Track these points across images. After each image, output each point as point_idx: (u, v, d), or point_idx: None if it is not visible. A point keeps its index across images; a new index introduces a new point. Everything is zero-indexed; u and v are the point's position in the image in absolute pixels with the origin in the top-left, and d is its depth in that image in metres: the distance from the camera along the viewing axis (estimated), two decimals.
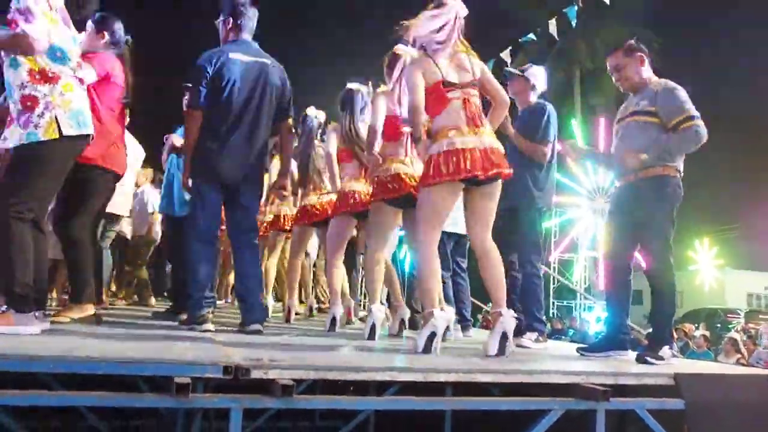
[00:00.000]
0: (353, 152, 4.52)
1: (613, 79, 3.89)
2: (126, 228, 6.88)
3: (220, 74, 3.77)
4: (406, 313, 4.44)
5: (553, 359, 3.57)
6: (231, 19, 3.91)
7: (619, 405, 2.66)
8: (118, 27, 3.79)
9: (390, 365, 2.62)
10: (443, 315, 3.25)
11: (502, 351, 3.13)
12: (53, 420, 4.24)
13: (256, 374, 2.19)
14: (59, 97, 2.94)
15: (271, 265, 6.01)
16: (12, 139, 2.90)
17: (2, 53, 2.95)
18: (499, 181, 3.32)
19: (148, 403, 2.16)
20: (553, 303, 20.94)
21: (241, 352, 2.58)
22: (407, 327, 4.45)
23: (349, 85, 4.61)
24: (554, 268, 20.56)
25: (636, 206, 3.61)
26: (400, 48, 4.08)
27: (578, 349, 3.86)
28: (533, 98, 4.48)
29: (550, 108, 4.41)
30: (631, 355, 3.64)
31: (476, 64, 3.41)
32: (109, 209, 5.79)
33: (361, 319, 5.71)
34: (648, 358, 3.34)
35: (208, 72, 3.77)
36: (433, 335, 3.12)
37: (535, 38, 11.79)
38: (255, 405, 2.20)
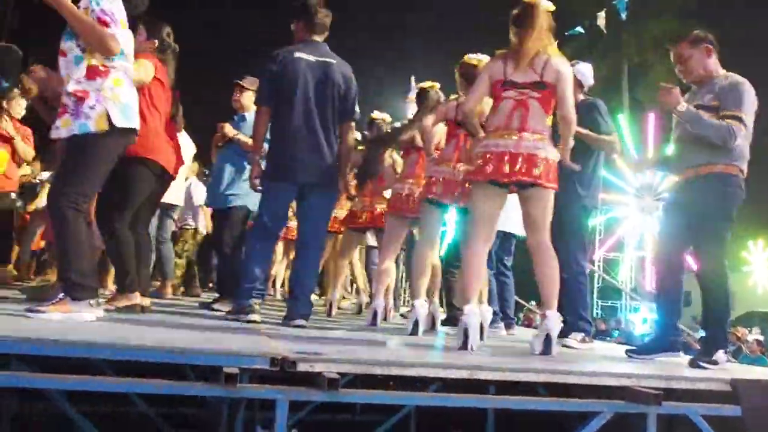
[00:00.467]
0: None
1: (676, 70, 3.76)
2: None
3: (286, 74, 3.80)
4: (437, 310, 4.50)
5: (600, 360, 3.51)
6: (301, 21, 3.96)
7: (672, 409, 2.58)
8: (167, 33, 3.85)
9: (435, 362, 2.60)
10: (476, 312, 3.23)
11: (546, 350, 3.12)
12: (105, 405, 4.36)
13: (302, 367, 2.20)
14: (110, 91, 3.01)
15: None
16: (64, 129, 2.98)
17: (70, 47, 3.01)
18: (539, 188, 3.25)
19: (198, 391, 2.19)
20: (598, 303, 20.57)
21: (288, 345, 2.60)
22: (440, 324, 4.50)
23: (420, 84, 4.70)
24: (599, 267, 20.15)
25: (694, 204, 3.48)
26: (473, 57, 4.13)
27: (627, 351, 3.77)
28: (581, 95, 4.40)
29: (600, 103, 4.32)
30: (683, 358, 3.54)
31: (551, 69, 3.26)
32: (176, 201, 6.00)
33: (402, 315, 5.72)
34: (701, 363, 3.24)
35: (272, 70, 3.81)
36: (467, 332, 3.11)
37: (582, 31, 11.55)
38: (301, 397, 2.22)
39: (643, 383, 2.56)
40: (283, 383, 2.24)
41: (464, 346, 3.08)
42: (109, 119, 2.97)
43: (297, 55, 3.84)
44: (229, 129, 4.93)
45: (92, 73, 2.99)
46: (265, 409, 3.06)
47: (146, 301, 3.70)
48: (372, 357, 2.53)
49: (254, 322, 3.61)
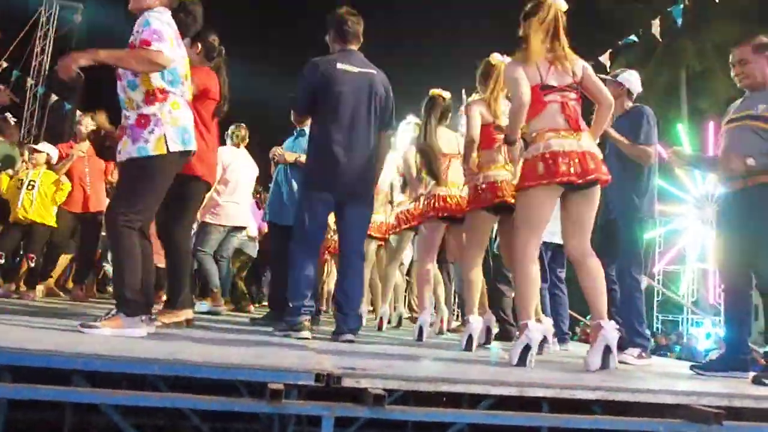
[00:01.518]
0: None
1: (733, 72, 3.65)
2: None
3: (328, 85, 3.82)
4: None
5: (658, 377, 3.37)
6: (334, 31, 3.98)
7: (734, 429, 2.44)
8: (213, 38, 3.94)
9: (484, 378, 2.55)
10: (539, 327, 3.15)
11: (605, 365, 3.01)
12: (159, 419, 4.44)
13: (347, 383, 2.18)
14: (168, 115, 3.08)
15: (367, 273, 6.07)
16: (124, 152, 3.08)
17: (123, 71, 3.09)
18: (598, 187, 3.20)
19: (243, 407, 2.20)
20: (657, 317, 19.87)
21: (334, 360, 2.60)
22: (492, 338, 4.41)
23: (432, 92, 4.59)
24: (659, 280, 19.52)
25: (747, 216, 3.35)
26: (495, 57, 4.06)
27: (692, 367, 3.62)
28: (628, 103, 4.31)
29: (648, 110, 4.22)
30: (749, 375, 3.37)
31: (577, 65, 3.29)
32: (233, 222, 6.14)
33: (452, 330, 5.64)
34: (766, 380, 3.08)
35: (312, 80, 3.85)
36: (527, 348, 3.02)
37: (636, 40, 11.26)
38: (346, 413, 2.19)
39: (704, 401, 2.43)
40: (332, 399, 2.23)
41: (522, 362, 3.00)
42: (166, 143, 3.05)
43: (339, 66, 3.85)
44: (288, 155, 5.01)
45: (151, 98, 3.07)
46: (313, 425, 3.05)
47: (190, 315, 3.77)
48: (419, 373, 2.49)
49: (305, 339, 3.62)
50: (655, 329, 17.87)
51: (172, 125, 3.08)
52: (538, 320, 3.86)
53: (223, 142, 6.26)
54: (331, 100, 3.82)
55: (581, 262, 3.20)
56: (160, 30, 3.00)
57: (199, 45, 3.90)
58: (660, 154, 4.28)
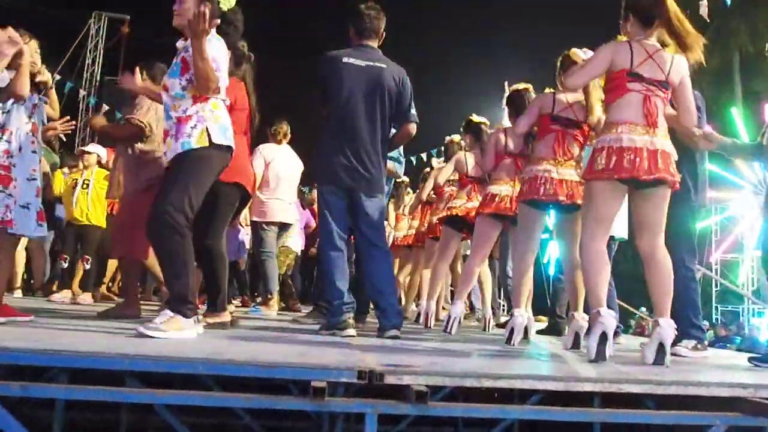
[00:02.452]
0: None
1: None
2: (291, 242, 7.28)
3: (334, 80, 3.85)
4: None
5: (714, 369, 3.26)
6: (352, 26, 4.00)
7: None
8: (242, 44, 3.97)
9: (529, 372, 2.51)
10: (612, 314, 3.08)
11: (659, 361, 2.94)
12: (212, 418, 4.53)
13: (389, 379, 2.17)
14: (210, 113, 3.16)
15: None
16: (170, 151, 3.17)
17: (172, 84, 3.17)
18: (665, 188, 3.11)
19: (288, 405, 2.21)
20: (716, 308, 19.18)
21: (377, 357, 2.59)
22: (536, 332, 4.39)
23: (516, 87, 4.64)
24: (716, 270, 18.86)
25: None
26: (575, 52, 3.99)
27: (750, 359, 3.49)
28: None
29: (696, 94, 4.08)
30: None
31: (678, 70, 3.16)
32: (279, 218, 6.21)
33: (500, 325, 5.58)
34: None
35: (320, 75, 3.91)
36: (604, 336, 2.96)
37: None
38: (389, 410, 2.18)
39: (761, 394, 2.33)
40: (379, 396, 2.23)
41: (601, 354, 2.94)
42: (209, 136, 3.11)
43: (345, 60, 3.87)
44: None
45: (195, 100, 3.16)
46: (361, 422, 3.07)
47: (229, 317, 3.83)
48: (462, 369, 2.47)
49: (350, 336, 3.63)
50: (714, 321, 17.32)
51: (213, 121, 3.15)
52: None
53: (265, 140, 6.36)
54: (335, 94, 3.85)
55: (649, 260, 3.16)
56: (220, 59, 3.12)
57: (228, 52, 3.95)
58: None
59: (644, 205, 3.15)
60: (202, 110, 3.14)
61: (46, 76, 3.74)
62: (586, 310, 3.97)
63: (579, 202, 3.63)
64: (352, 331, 3.68)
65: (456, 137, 6.24)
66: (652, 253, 3.14)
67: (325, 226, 3.88)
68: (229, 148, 3.24)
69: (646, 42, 3.15)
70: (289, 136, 6.49)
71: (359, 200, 3.85)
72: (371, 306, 4.65)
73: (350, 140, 3.83)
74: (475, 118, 5.50)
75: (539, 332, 5.00)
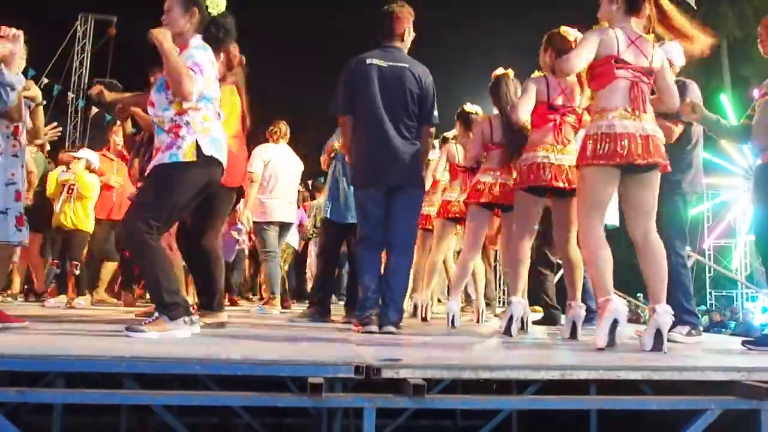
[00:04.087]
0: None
1: (759, 39, 3.57)
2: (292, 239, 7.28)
3: (358, 81, 3.88)
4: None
5: (709, 354, 3.29)
6: (379, 28, 4.03)
7: None
8: (233, 48, 3.97)
9: (525, 363, 2.52)
10: (623, 301, 3.09)
11: (658, 347, 2.97)
12: (213, 417, 4.53)
13: (387, 374, 2.19)
14: (200, 124, 3.12)
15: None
16: (155, 160, 3.13)
17: (159, 99, 3.15)
18: (656, 172, 3.15)
19: (286, 402, 2.23)
20: (711, 293, 19.32)
21: (373, 352, 2.60)
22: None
23: (496, 73, 4.57)
24: (709, 256, 18.95)
25: None
26: (566, 30, 3.94)
27: (744, 342, 3.52)
28: (672, 76, 4.19)
29: (693, 85, 4.10)
30: None
31: (659, 55, 3.22)
32: (279, 218, 6.21)
33: (498, 315, 5.61)
34: None
35: (346, 78, 3.92)
36: (615, 323, 2.98)
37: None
38: (387, 405, 2.20)
39: (755, 377, 2.36)
40: (378, 391, 2.24)
41: (612, 341, 2.98)
42: (198, 149, 3.08)
43: (369, 61, 3.89)
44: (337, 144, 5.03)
45: (184, 111, 3.11)
46: (360, 417, 3.08)
47: (225, 317, 3.83)
48: (459, 361, 2.48)
49: (372, 332, 3.66)
50: (708, 306, 17.41)
51: (203, 133, 3.12)
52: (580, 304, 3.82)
53: (264, 140, 6.36)
54: (362, 96, 3.87)
55: (642, 246, 3.18)
56: (203, 65, 3.09)
57: (222, 55, 3.94)
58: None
59: (637, 189, 3.17)
60: (192, 121, 3.10)
61: (34, 91, 3.72)
62: (583, 299, 4.01)
63: (575, 187, 3.63)
64: (373, 327, 3.72)
65: (449, 134, 6.24)
66: (645, 238, 3.16)
67: (361, 228, 3.95)
68: (219, 162, 3.21)
69: (627, 28, 3.18)
70: (288, 135, 6.48)
71: (398, 196, 3.88)
72: None
73: (380, 140, 3.85)
74: (467, 107, 5.47)
75: (535, 323, 5.02)
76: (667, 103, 3.35)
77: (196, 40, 3.18)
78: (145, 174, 3.24)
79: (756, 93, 3.78)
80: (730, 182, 20.01)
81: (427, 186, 6.05)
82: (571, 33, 3.88)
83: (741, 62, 22.04)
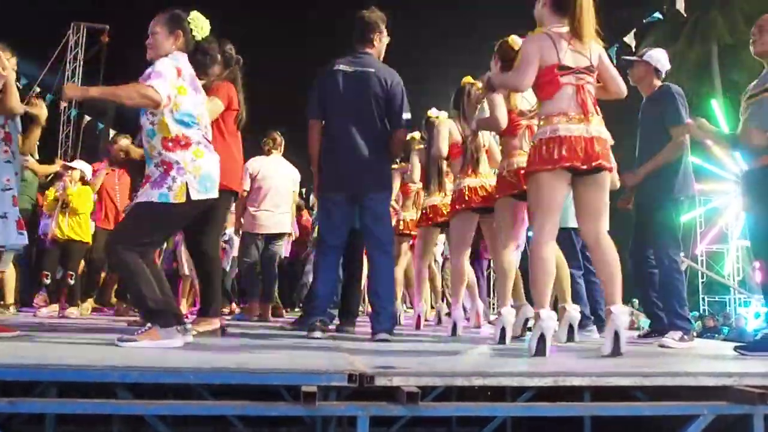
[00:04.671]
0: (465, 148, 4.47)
1: (751, 39, 3.62)
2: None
3: (326, 86, 3.92)
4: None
5: (701, 359, 3.30)
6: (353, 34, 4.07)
7: None
8: (229, 48, 3.99)
9: (518, 370, 2.52)
10: (552, 315, 3.09)
11: (615, 351, 2.97)
12: (207, 427, 4.51)
13: (380, 381, 2.18)
14: (191, 164, 3.10)
15: (398, 272, 6.04)
16: (143, 195, 3.11)
17: (144, 121, 3.15)
18: (606, 173, 3.15)
19: (279, 411, 2.21)
20: (704, 299, 19.35)
21: (367, 360, 2.60)
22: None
23: (463, 81, 4.55)
24: (702, 261, 19.03)
25: None
26: (514, 39, 3.94)
27: (736, 348, 3.53)
28: (657, 82, 4.24)
29: (675, 89, 4.15)
30: None
31: (595, 49, 3.23)
32: (267, 230, 6.19)
33: (492, 323, 5.60)
34: None
35: (317, 84, 3.97)
36: (543, 338, 2.99)
37: (661, 17, 10.99)
38: (381, 413, 2.19)
39: (747, 382, 2.37)
40: (368, 399, 2.24)
41: (540, 352, 2.98)
42: (187, 192, 3.07)
43: (336, 67, 3.94)
44: None
45: (170, 145, 3.10)
46: (353, 426, 3.07)
47: (222, 323, 3.85)
48: (452, 369, 2.48)
49: (317, 338, 3.69)
50: (701, 312, 17.45)
51: (194, 173, 3.10)
52: (564, 307, 3.82)
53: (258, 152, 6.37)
54: (330, 101, 3.93)
55: (594, 247, 3.18)
56: (161, 70, 3.05)
57: (218, 56, 3.96)
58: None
59: (585, 191, 3.17)
60: (182, 160, 3.08)
61: (40, 110, 3.74)
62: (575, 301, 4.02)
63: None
64: (317, 333, 3.76)
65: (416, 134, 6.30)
66: (596, 239, 3.15)
67: (320, 232, 4.00)
68: (208, 199, 3.20)
69: (561, 30, 3.18)
70: (282, 145, 6.47)
71: (366, 201, 3.89)
72: (361, 309, 4.66)
73: (346, 144, 3.88)
74: (433, 113, 5.50)
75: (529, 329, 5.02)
76: (613, 92, 3.34)
77: (173, 53, 3.17)
78: (134, 200, 3.24)
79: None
80: (722, 188, 20.06)
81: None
82: (518, 43, 3.82)
83: (732, 67, 22.19)
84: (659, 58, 4.24)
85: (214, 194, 3.23)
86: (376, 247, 3.94)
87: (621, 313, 3.01)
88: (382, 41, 4.07)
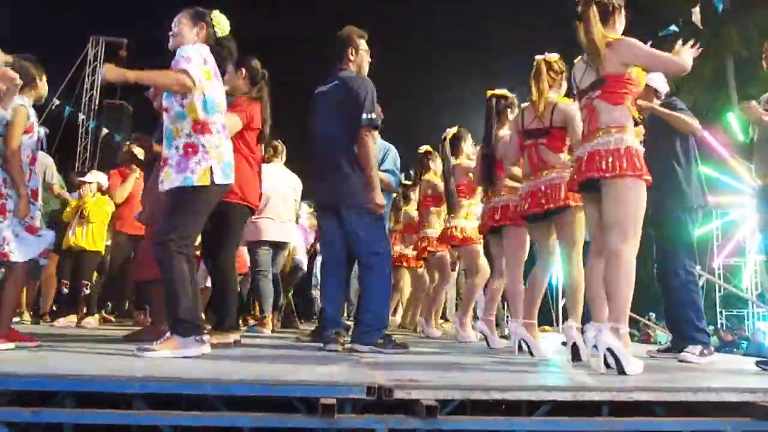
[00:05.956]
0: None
1: (763, 55, 3.62)
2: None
3: (309, 109, 4.11)
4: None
5: (722, 374, 3.26)
6: None
7: None
8: (255, 63, 4.03)
9: (537, 384, 2.51)
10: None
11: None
12: None
13: (398, 394, 2.18)
14: (215, 150, 3.20)
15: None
16: (168, 182, 3.17)
17: (170, 103, 3.21)
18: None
19: (297, 423, 2.20)
20: (721, 313, 19.11)
21: (385, 372, 2.59)
22: None
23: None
24: (719, 275, 18.81)
25: None
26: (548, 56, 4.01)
27: (758, 363, 3.49)
28: (657, 103, 4.25)
29: (676, 101, 4.19)
30: None
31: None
32: (270, 237, 6.19)
33: (503, 337, 5.57)
34: None
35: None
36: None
37: (677, 30, 10.95)
38: (399, 425, 2.18)
39: None
40: (386, 412, 2.23)
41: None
42: (211, 175, 3.14)
43: (317, 91, 4.09)
44: None
45: (199, 128, 3.18)
46: None
47: (237, 336, 3.85)
48: (471, 382, 2.47)
49: (334, 351, 3.71)
50: (719, 325, 17.24)
51: (218, 159, 3.19)
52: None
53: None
54: (311, 124, 4.09)
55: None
56: (190, 56, 3.14)
57: (243, 70, 4.01)
58: (704, 139, 4.20)
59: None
60: (208, 144, 3.17)
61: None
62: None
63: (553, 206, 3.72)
64: (332, 346, 3.77)
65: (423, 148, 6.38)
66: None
67: (321, 251, 4.13)
68: (227, 185, 3.30)
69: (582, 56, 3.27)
70: (284, 154, 6.49)
71: (344, 217, 3.91)
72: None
73: (320, 160, 3.99)
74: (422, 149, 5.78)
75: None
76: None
77: (193, 42, 3.26)
78: (161, 190, 3.26)
79: (755, 104, 3.78)
80: (739, 201, 19.84)
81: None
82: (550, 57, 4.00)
83: (747, 81, 22.05)
84: (656, 79, 4.23)
85: (232, 180, 3.32)
86: (358, 261, 4.04)
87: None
88: (359, 55, 4.08)
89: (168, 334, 3.01)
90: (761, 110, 3.69)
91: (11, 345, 3.20)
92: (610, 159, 2.96)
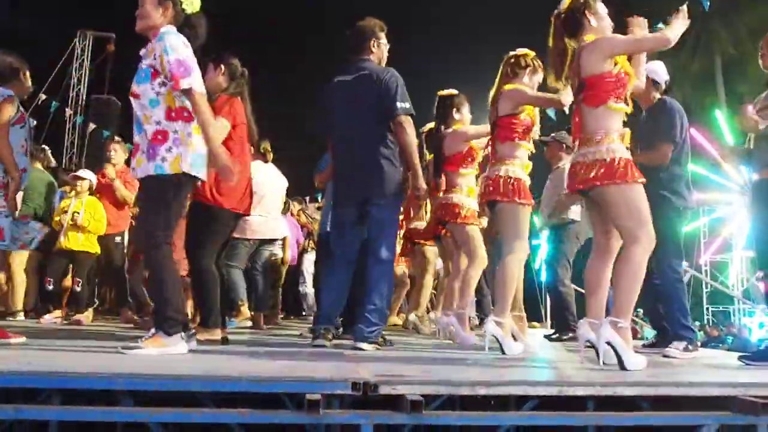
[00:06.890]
0: None
1: (760, 53, 3.65)
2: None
3: (326, 101, 4.01)
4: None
5: (705, 369, 3.29)
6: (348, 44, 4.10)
7: None
8: (235, 61, 4.00)
9: (522, 379, 2.52)
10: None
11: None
12: None
13: (384, 390, 2.19)
14: (187, 138, 3.08)
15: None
16: (141, 169, 3.09)
17: (145, 90, 3.08)
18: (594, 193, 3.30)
19: (283, 419, 2.21)
20: (708, 309, 19.29)
21: (371, 368, 2.60)
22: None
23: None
24: (706, 271, 18.97)
25: None
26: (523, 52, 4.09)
27: (740, 358, 3.53)
28: (656, 95, 4.25)
29: (675, 105, 4.18)
30: None
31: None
32: (259, 236, 6.17)
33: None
34: None
35: (319, 101, 4.06)
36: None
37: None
38: (385, 421, 2.20)
39: (751, 392, 2.36)
40: (372, 407, 2.24)
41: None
42: (181, 163, 3.04)
43: (336, 79, 3.99)
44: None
45: (172, 115, 3.08)
46: None
47: (225, 332, 3.85)
48: (456, 377, 2.48)
49: (323, 347, 3.69)
50: (705, 321, 17.38)
51: (188, 148, 3.08)
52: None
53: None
54: (332, 115, 3.98)
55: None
56: (184, 59, 3.01)
57: (222, 67, 3.97)
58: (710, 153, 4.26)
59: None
60: (181, 132, 3.07)
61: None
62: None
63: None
64: (320, 341, 3.75)
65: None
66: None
67: (331, 245, 4.01)
68: (196, 178, 3.17)
69: None
70: (270, 152, 6.48)
71: (368, 212, 3.84)
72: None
73: (344, 156, 3.93)
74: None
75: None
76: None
77: (166, 27, 3.13)
78: (133, 177, 3.25)
79: (750, 109, 3.81)
80: (726, 198, 20.03)
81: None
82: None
83: (735, 79, 22.22)
84: (656, 70, 4.24)
85: (203, 177, 3.20)
86: (370, 255, 3.85)
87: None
88: (380, 47, 4.05)
89: (153, 330, 3.00)
90: (755, 117, 3.75)
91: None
92: (602, 170, 3.04)
